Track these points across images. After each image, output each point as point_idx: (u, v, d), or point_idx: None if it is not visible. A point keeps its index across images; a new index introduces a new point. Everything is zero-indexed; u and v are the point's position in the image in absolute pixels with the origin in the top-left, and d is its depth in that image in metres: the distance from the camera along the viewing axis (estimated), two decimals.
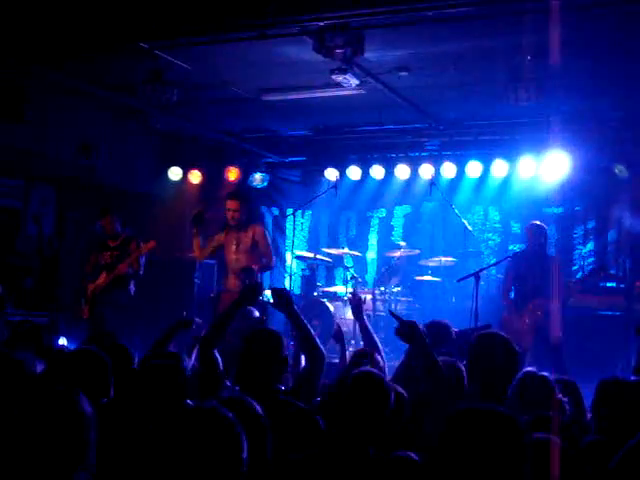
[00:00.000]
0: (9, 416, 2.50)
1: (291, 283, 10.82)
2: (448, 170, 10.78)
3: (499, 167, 10.47)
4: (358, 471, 2.96)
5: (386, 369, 4.95)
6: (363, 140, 11.32)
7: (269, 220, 13.00)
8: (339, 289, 10.79)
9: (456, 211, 9.77)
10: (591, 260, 10.83)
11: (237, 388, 3.91)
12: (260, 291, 4.87)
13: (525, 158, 10.20)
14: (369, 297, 9.80)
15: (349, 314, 9.62)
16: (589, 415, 3.99)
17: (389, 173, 11.29)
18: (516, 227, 11.38)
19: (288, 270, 11.86)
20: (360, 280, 10.76)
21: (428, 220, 11.89)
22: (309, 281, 10.88)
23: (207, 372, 4.28)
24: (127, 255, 8.65)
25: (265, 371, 3.82)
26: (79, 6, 7.03)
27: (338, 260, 11.23)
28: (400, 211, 12.26)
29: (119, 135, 10.72)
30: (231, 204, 8.41)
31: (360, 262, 11.91)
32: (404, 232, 12.09)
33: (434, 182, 10.44)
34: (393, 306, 10.25)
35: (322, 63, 7.31)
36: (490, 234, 11.59)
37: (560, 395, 3.79)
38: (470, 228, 9.82)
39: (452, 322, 5.87)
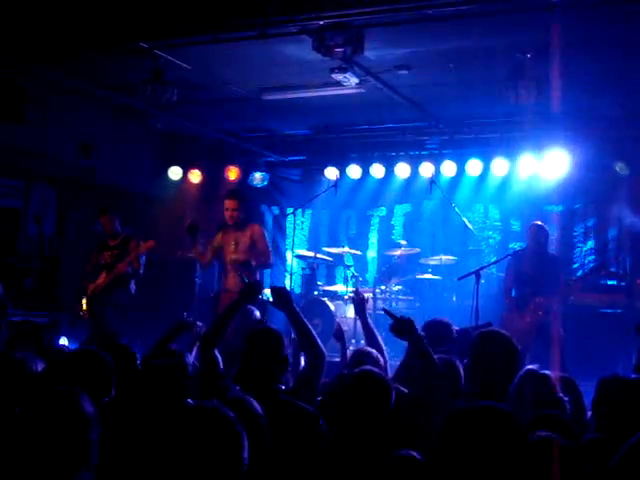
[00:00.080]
0: (10, 416, 2.50)
1: (291, 282, 10.82)
2: (448, 168, 10.79)
3: (499, 165, 10.47)
4: (360, 470, 2.96)
5: (388, 368, 4.95)
6: (363, 139, 11.32)
7: (269, 219, 13.00)
8: (339, 288, 10.79)
9: (456, 209, 9.77)
10: (591, 258, 10.82)
11: (237, 388, 3.91)
12: (260, 290, 4.87)
13: (525, 156, 10.20)
14: (369, 295, 9.79)
15: (350, 313, 9.63)
16: (589, 413, 3.99)
17: (389, 172, 11.29)
18: (516, 225, 11.38)
19: (288, 269, 11.85)
20: (361, 279, 10.76)
21: (428, 219, 11.88)
22: (309, 280, 10.88)
23: (207, 371, 4.28)
24: (126, 254, 8.66)
25: (266, 371, 3.83)
26: (79, 6, 7.03)
27: (338, 259, 11.23)
28: (400, 210, 12.26)
29: (119, 135, 10.72)
30: (229, 203, 8.41)
31: (360, 261, 11.90)
32: (404, 231, 12.08)
33: (434, 180, 10.44)
34: (394, 305, 10.25)
35: (322, 62, 7.31)
36: (490, 232, 11.59)
37: (561, 394, 3.79)
38: (470, 226, 9.81)
39: (453, 320, 5.87)
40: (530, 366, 4.04)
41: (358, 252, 11.34)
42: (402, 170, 11.13)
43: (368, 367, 3.52)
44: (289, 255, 12.02)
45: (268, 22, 6.81)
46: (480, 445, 2.26)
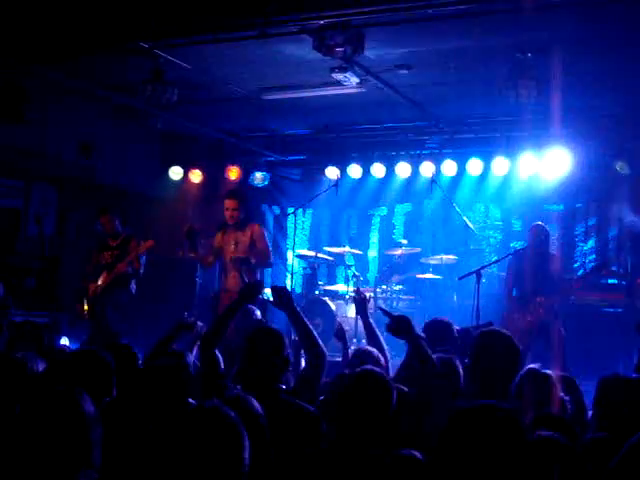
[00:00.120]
0: (11, 416, 2.50)
1: (292, 282, 10.82)
2: (449, 168, 10.78)
3: (500, 165, 10.46)
4: (362, 470, 2.96)
5: (389, 367, 4.94)
6: (364, 138, 11.32)
7: (270, 219, 13.01)
8: (340, 288, 10.79)
9: (457, 209, 9.76)
10: (592, 257, 10.82)
11: (238, 387, 3.90)
12: (260, 290, 4.86)
13: (526, 155, 10.19)
14: (369, 295, 9.78)
15: (351, 312, 9.63)
16: (590, 412, 3.99)
17: (390, 171, 11.29)
18: (517, 224, 11.38)
19: (289, 269, 11.85)
20: (361, 278, 10.76)
21: (429, 218, 11.89)
22: (310, 280, 10.88)
23: (208, 371, 4.28)
24: (127, 254, 8.66)
25: (266, 370, 3.82)
26: (79, 6, 7.03)
27: (339, 259, 11.23)
28: (401, 209, 12.26)
29: (120, 135, 10.72)
30: (229, 203, 8.40)
31: (361, 260, 11.91)
32: (405, 230, 12.09)
33: (435, 180, 10.44)
34: (394, 304, 10.26)
35: (322, 61, 7.31)
36: (491, 232, 11.59)
37: (562, 394, 3.78)
38: (471, 226, 9.80)
39: (454, 320, 5.88)
40: (531, 365, 4.04)
41: (359, 252, 11.34)
42: (403, 169, 11.13)
43: (369, 367, 3.51)
44: (290, 255, 12.02)
45: (268, 22, 6.80)
46: (481, 444, 2.26)
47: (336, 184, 10.46)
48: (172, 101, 7.88)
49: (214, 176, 11.87)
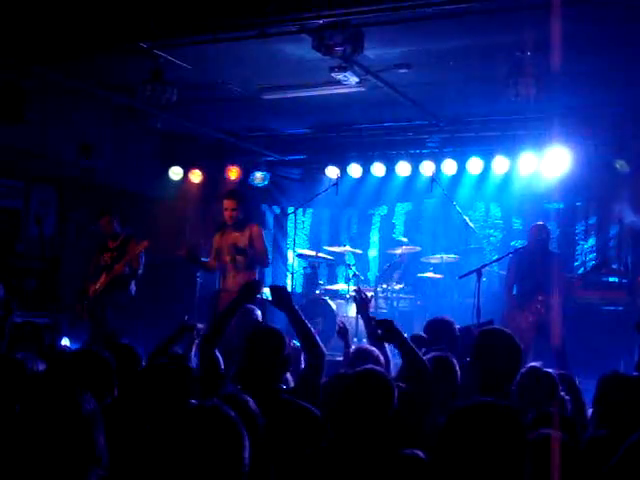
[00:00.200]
0: (11, 417, 2.49)
1: (293, 281, 10.83)
2: (449, 167, 10.78)
3: (500, 163, 10.46)
4: (364, 470, 2.95)
5: (391, 367, 4.94)
6: (363, 138, 11.30)
7: (270, 219, 13.01)
8: (341, 287, 10.79)
9: (457, 208, 9.77)
10: (593, 256, 10.82)
11: (239, 387, 3.90)
12: (259, 289, 4.86)
13: (526, 154, 10.19)
14: (370, 294, 9.78)
15: (351, 312, 9.63)
16: (590, 410, 3.99)
17: (390, 170, 11.29)
18: (517, 223, 11.38)
19: (290, 268, 11.88)
20: (362, 278, 10.76)
21: (429, 217, 11.88)
22: (311, 279, 10.87)
23: (207, 371, 4.28)
24: (125, 255, 8.67)
25: (267, 370, 3.82)
26: (79, 6, 7.03)
27: (340, 258, 11.24)
28: (401, 208, 12.26)
29: (119, 135, 10.72)
30: (228, 203, 8.40)
31: (362, 260, 11.92)
32: (405, 229, 12.08)
33: (435, 179, 10.44)
34: (395, 303, 10.26)
35: (322, 61, 7.30)
36: (491, 230, 11.59)
37: (563, 393, 3.79)
38: (471, 225, 9.81)
39: (454, 319, 5.88)
40: (533, 363, 4.04)
41: (359, 251, 11.34)
42: (403, 169, 11.14)
43: (370, 366, 3.50)
44: (290, 254, 12.03)
45: (267, 21, 6.80)
46: (482, 442, 2.26)
47: (336, 183, 10.46)
48: (172, 101, 7.87)
49: (214, 176, 11.87)
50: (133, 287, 8.85)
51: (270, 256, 9.65)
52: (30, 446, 2.38)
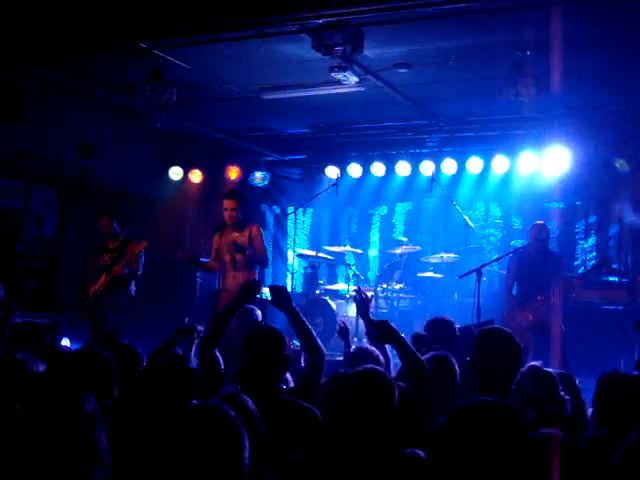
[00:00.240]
0: (11, 418, 2.49)
1: (293, 281, 10.82)
2: (449, 166, 10.79)
3: (500, 163, 10.47)
4: (365, 470, 2.95)
5: (391, 366, 4.94)
6: (363, 137, 11.31)
7: (270, 219, 13.00)
8: (341, 287, 10.79)
9: (457, 207, 9.77)
10: (593, 255, 10.82)
11: (238, 387, 3.90)
12: (258, 289, 4.86)
13: (526, 153, 10.20)
14: (370, 294, 9.78)
15: (351, 312, 9.63)
16: (589, 409, 3.99)
17: (390, 170, 11.30)
18: (517, 223, 11.37)
19: (290, 268, 11.88)
20: (362, 277, 10.75)
21: (429, 217, 11.88)
22: (311, 279, 10.87)
23: (207, 371, 4.28)
24: (124, 256, 8.67)
25: (267, 370, 3.81)
26: (78, 7, 7.03)
27: (340, 258, 11.23)
28: (401, 208, 12.26)
29: (119, 135, 10.72)
30: (228, 203, 8.41)
31: (362, 259, 11.92)
32: (406, 229, 12.08)
33: (435, 179, 10.44)
34: (395, 303, 10.26)
35: (321, 61, 7.30)
36: (491, 230, 11.59)
37: (563, 393, 3.79)
38: (471, 224, 9.80)
39: (454, 318, 5.88)
40: (533, 362, 4.05)
41: (359, 251, 11.34)
42: (403, 168, 11.14)
43: (370, 365, 3.50)
44: (290, 254, 12.03)
45: (267, 21, 6.80)
46: (482, 441, 2.26)
47: (336, 183, 10.46)
48: (171, 101, 7.88)
49: (214, 176, 11.87)
50: (133, 287, 8.85)
51: (270, 256, 9.67)
52: (31, 447, 2.37)
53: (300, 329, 4.31)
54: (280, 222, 12.93)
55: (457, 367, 4.25)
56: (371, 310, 5.81)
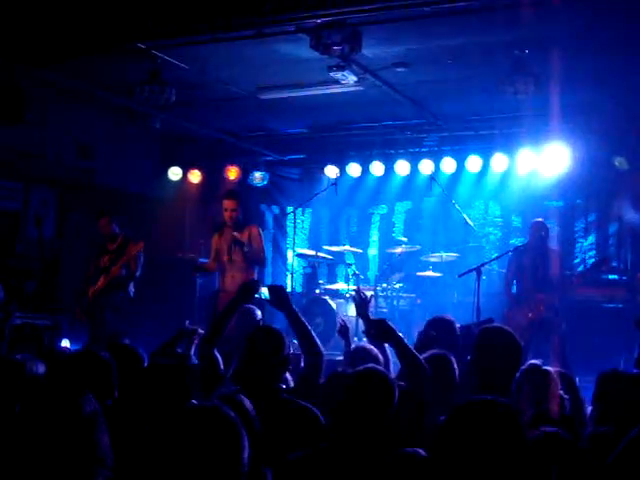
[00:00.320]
0: (11, 419, 2.49)
1: (293, 281, 10.81)
2: (448, 165, 10.79)
3: (499, 161, 10.46)
4: (366, 469, 2.95)
5: (390, 366, 4.93)
6: (362, 137, 11.31)
7: (270, 218, 13.00)
8: (341, 286, 10.79)
9: (457, 206, 9.77)
10: (592, 253, 10.82)
11: (237, 387, 3.90)
12: (257, 289, 4.86)
13: (525, 152, 10.19)
14: (370, 294, 9.77)
15: (351, 311, 9.62)
16: (589, 408, 3.99)
17: (389, 169, 11.30)
18: (517, 221, 11.38)
19: (289, 268, 11.86)
20: (362, 277, 10.75)
21: (429, 216, 11.89)
22: (311, 279, 10.88)
23: (207, 371, 4.28)
24: (122, 257, 8.68)
25: (267, 370, 3.82)
26: (77, 8, 7.03)
27: (339, 257, 11.23)
28: (401, 207, 12.27)
29: (118, 136, 10.72)
30: (228, 204, 8.41)
31: (362, 259, 11.91)
32: (405, 228, 12.09)
33: (434, 178, 10.44)
34: (395, 302, 10.26)
35: (320, 60, 7.31)
36: (491, 228, 11.59)
37: (562, 391, 3.78)
38: (471, 223, 9.81)
39: (454, 317, 5.86)
40: (532, 361, 4.04)
41: (359, 250, 11.34)
42: (402, 168, 11.14)
43: (370, 365, 3.50)
44: (290, 254, 12.02)
45: (265, 21, 6.80)
46: (482, 440, 2.26)
47: (335, 183, 10.46)
48: (170, 101, 7.88)
49: (213, 176, 11.87)
50: (132, 288, 8.85)
51: (270, 256, 9.68)
52: (33, 448, 2.37)
53: (299, 329, 4.32)
54: (279, 222, 12.93)
55: (456, 366, 4.24)
56: (371, 310, 5.81)
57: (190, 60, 8.09)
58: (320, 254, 10.80)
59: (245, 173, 11.99)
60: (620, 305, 9.41)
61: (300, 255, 11.22)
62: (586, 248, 10.90)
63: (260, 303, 7.11)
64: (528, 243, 8.71)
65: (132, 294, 8.85)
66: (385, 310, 10.08)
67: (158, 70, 7.75)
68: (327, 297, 10.19)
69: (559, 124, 9.44)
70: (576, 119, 9.53)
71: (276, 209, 13.02)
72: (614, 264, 10.23)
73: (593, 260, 10.55)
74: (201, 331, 5.48)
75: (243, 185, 11.82)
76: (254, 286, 4.77)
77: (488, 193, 11.37)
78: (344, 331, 5.84)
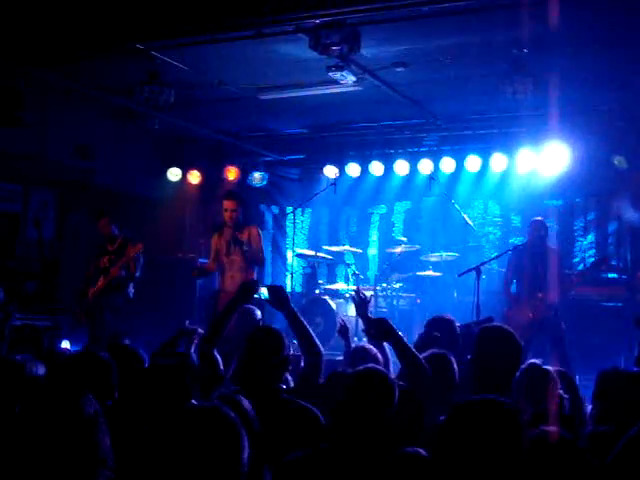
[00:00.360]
0: (11, 420, 2.49)
1: (292, 281, 10.82)
2: (447, 165, 10.79)
3: (498, 161, 10.46)
4: (366, 469, 2.95)
5: (391, 366, 4.93)
6: (361, 137, 11.31)
7: (269, 219, 13.01)
8: (341, 286, 10.79)
9: (456, 206, 9.77)
10: (592, 252, 10.82)
11: (237, 387, 3.90)
12: (256, 289, 4.87)
13: (524, 151, 10.19)
14: (369, 293, 9.77)
15: (351, 311, 9.62)
16: (588, 407, 3.99)
17: (388, 169, 11.30)
18: (516, 220, 11.38)
19: (289, 268, 11.88)
20: (362, 277, 10.76)
21: (428, 215, 11.89)
22: (310, 279, 10.88)
23: (206, 371, 4.28)
24: (121, 258, 8.68)
25: (266, 370, 3.82)
26: (75, 8, 7.03)
27: (339, 257, 11.24)
28: (400, 207, 12.27)
29: (118, 137, 10.72)
30: (229, 204, 8.41)
31: (361, 259, 11.92)
32: (405, 228, 12.10)
33: (433, 177, 10.44)
34: (395, 302, 10.26)
35: (319, 60, 7.30)
36: (490, 228, 11.59)
37: (561, 391, 3.78)
38: (470, 222, 9.81)
39: (454, 317, 5.87)
40: (532, 360, 4.04)
41: (359, 250, 11.34)
42: (401, 167, 11.14)
43: (370, 365, 3.50)
44: (289, 254, 12.03)
45: (264, 21, 6.80)
46: (482, 439, 2.27)
47: (334, 183, 10.47)
48: (169, 102, 7.88)
49: (212, 177, 11.87)
50: (131, 289, 8.86)
51: (269, 256, 9.68)
52: (34, 450, 2.37)
53: (298, 329, 4.32)
54: (279, 222, 12.93)
55: (456, 365, 4.24)
56: (370, 309, 5.81)
57: (189, 61, 8.08)
58: (320, 254, 10.80)
59: (244, 173, 11.99)
60: (620, 304, 9.41)
61: (300, 255, 11.22)
62: (585, 247, 10.90)
63: (260, 303, 7.12)
64: (527, 242, 8.71)
65: (132, 295, 8.86)
66: (385, 310, 10.08)
67: (157, 71, 7.75)
68: (327, 297, 10.19)
69: (558, 123, 9.44)
70: (575, 118, 9.54)
71: (275, 209, 13.03)
72: (613, 263, 10.23)
73: (592, 259, 10.56)
74: (201, 331, 5.48)
75: (242, 185, 11.82)
76: (253, 286, 4.77)
77: (487, 192, 11.37)
78: (344, 331, 5.84)
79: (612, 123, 9.61)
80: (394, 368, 4.87)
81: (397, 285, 10.39)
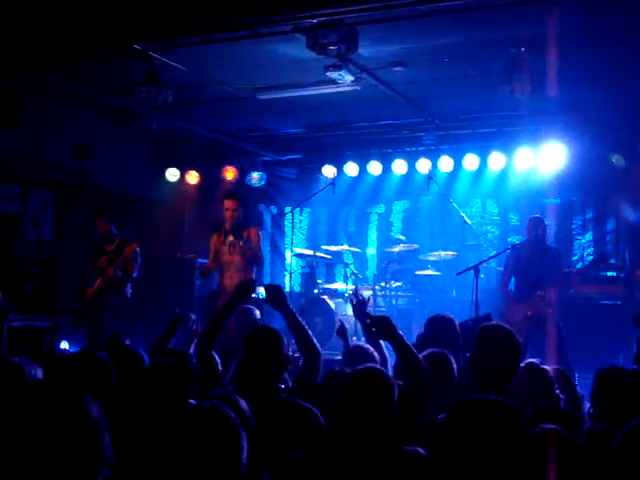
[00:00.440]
0: (11, 421, 2.49)
1: (291, 281, 10.82)
2: (445, 164, 10.80)
3: (496, 159, 10.47)
4: (366, 469, 2.95)
5: (388, 365, 4.94)
6: (359, 136, 11.31)
7: (268, 218, 13.01)
8: (339, 286, 10.79)
9: (454, 205, 9.77)
10: (590, 250, 10.83)
11: (235, 387, 3.90)
12: (254, 288, 4.87)
13: (522, 150, 10.20)
14: (368, 293, 9.79)
15: (350, 311, 9.63)
16: (587, 404, 4.00)
17: (386, 168, 11.31)
18: (515, 219, 11.38)
19: (288, 268, 11.87)
20: (360, 276, 10.76)
21: (427, 214, 11.89)
22: (309, 279, 10.88)
23: (205, 371, 4.28)
24: (119, 258, 8.68)
25: (265, 370, 3.82)
26: (73, 10, 7.03)
27: (338, 257, 11.24)
28: (399, 206, 12.27)
29: (116, 137, 10.71)
30: (229, 203, 8.41)
31: (360, 258, 11.92)
32: (403, 227, 12.10)
33: (431, 176, 10.44)
34: (394, 301, 10.27)
35: (316, 60, 7.30)
36: (489, 227, 11.60)
37: (558, 391, 3.79)
38: (469, 221, 9.81)
39: (453, 315, 5.87)
40: (530, 359, 4.05)
41: (357, 249, 11.35)
42: (399, 167, 11.15)
43: (369, 364, 3.51)
44: (288, 254, 12.03)
45: (261, 21, 6.80)
46: (482, 438, 2.27)
47: (333, 182, 10.46)
48: (167, 102, 7.88)
49: (211, 177, 11.87)
50: (129, 289, 8.85)
51: (268, 256, 9.68)
52: (35, 450, 2.37)
53: (296, 329, 4.32)
54: (277, 222, 12.94)
55: (455, 364, 4.25)
56: (369, 309, 5.81)
57: (186, 61, 8.09)
58: (318, 254, 10.80)
59: (243, 173, 11.99)
60: (618, 302, 9.41)
61: (298, 255, 11.22)
62: (584, 245, 10.91)
63: (259, 303, 7.13)
64: (526, 240, 8.71)
65: (129, 295, 8.85)
66: (384, 309, 10.09)
67: (155, 71, 7.75)
68: (326, 297, 10.19)
69: (556, 122, 9.46)
70: (573, 117, 9.54)
71: (274, 209, 13.03)
72: (612, 261, 10.24)
73: (591, 257, 10.57)
74: (193, 316, 5.48)
75: (241, 185, 11.82)
76: (250, 286, 4.77)
77: (486, 191, 11.38)
78: (343, 331, 5.84)
79: (610, 121, 9.62)
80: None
81: (395, 284, 10.39)
